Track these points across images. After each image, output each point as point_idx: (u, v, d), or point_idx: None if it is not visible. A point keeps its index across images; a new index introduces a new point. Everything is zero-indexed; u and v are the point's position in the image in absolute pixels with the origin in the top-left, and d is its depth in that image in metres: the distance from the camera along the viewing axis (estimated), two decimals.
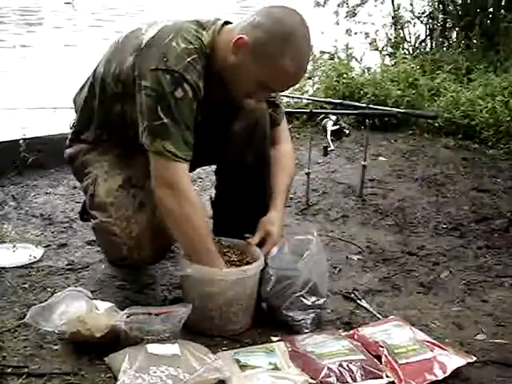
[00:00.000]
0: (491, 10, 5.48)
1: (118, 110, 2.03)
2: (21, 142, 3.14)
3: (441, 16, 5.63)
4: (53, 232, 2.58)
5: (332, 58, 4.82)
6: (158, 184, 1.89)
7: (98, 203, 2.03)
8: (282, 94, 4.12)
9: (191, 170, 2.55)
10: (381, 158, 3.71)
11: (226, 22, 1.96)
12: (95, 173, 2.08)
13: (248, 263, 1.98)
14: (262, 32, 1.83)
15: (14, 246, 2.39)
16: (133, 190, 2.02)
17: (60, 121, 3.23)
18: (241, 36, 1.84)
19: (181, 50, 1.85)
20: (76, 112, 2.22)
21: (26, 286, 2.14)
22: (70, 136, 2.22)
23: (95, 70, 2.10)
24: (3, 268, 2.24)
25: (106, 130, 2.11)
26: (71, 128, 2.24)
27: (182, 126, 1.85)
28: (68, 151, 2.21)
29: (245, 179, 2.13)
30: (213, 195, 2.32)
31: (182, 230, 1.91)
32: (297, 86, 4.40)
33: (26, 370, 1.70)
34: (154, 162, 1.89)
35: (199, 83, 1.87)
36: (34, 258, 2.33)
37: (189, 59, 1.85)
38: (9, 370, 1.70)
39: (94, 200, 2.05)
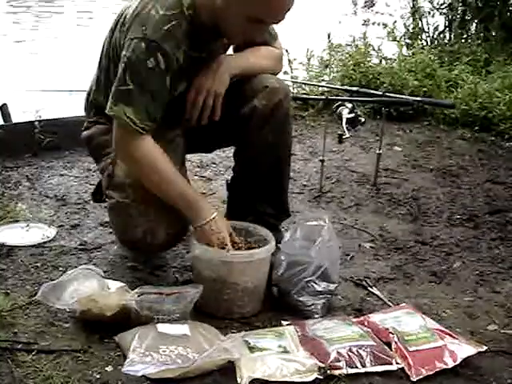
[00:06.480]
0: (511, 2, 5.42)
1: None
2: (36, 123, 3.15)
3: (460, 7, 5.57)
4: (66, 213, 2.59)
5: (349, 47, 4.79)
6: (116, 149, 1.96)
7: (117, 183, 2.02)
8: (300, 81, 4.16)
9: (209, 151, 2.56)
10: (396, 148, 3.68)
11: None
12: None
13: (259, 247, 1.97)
14: None
15: (28, 226, 2.40)
16: None
17: (75, 103, 3.25)
18: None
19: (159, 18, 1.86)
20: None
21: (38, 264, 2.15)
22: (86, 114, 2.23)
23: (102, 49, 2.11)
24: (16, 246, 2.25)
25: None
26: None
27: (147, 95, 1.87)
28: (85, 133, 2.22)
29: (263, 161, 2.12)
30: (229, 178, 2.31)
31: (151, 183, 1.94)
32: (313, 73, 4.40)
33: (36, 346, 1.71)
34: (114, 126, 1.92)
35: (177, 52, 1.88)
36: (47, 237, 2.34)
37: (167, 27, 1.85)
38: (19, 346, 1.71)
39: (112, 180, 2.05)
